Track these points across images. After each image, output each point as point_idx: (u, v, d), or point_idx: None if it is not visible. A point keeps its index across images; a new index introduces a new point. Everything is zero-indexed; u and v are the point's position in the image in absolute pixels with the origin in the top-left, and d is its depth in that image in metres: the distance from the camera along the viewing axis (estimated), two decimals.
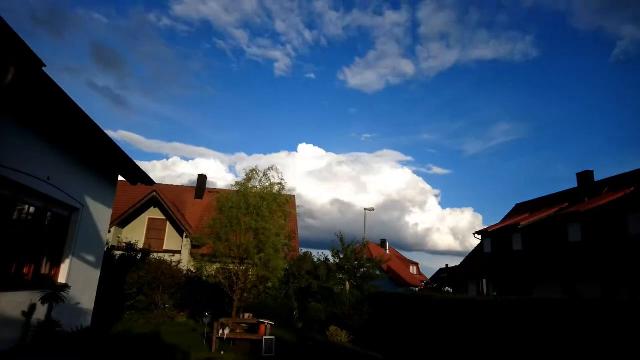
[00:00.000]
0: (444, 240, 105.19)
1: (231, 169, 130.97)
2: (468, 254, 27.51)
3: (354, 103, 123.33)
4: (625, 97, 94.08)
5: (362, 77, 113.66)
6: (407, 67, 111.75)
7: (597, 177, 21.58)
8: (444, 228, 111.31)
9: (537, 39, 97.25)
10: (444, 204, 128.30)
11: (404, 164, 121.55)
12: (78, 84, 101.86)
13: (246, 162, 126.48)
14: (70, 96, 5.17)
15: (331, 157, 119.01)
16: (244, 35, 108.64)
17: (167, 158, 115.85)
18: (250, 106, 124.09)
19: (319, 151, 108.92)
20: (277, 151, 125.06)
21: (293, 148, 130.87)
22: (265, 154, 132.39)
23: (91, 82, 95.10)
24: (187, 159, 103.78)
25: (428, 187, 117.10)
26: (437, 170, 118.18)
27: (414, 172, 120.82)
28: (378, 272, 21.07)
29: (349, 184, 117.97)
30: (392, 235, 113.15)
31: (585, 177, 21.56)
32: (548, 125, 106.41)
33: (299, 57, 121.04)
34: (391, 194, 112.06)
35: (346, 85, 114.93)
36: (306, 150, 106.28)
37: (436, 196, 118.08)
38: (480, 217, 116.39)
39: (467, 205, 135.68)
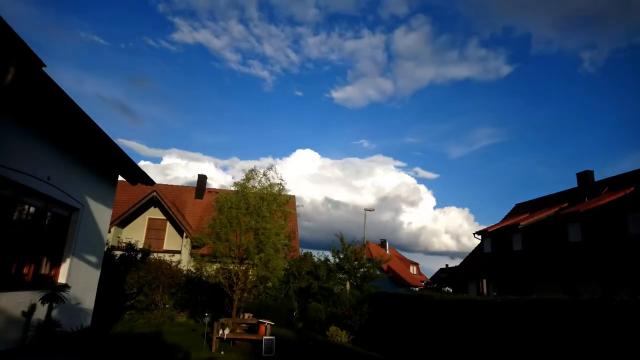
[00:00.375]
0: (438, 240, 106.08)
1: (225, 171, 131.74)
2: (466, 254, 27.55)
3: (342, 116, 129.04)
4: (609, 101, 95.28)
5: (346, 95, 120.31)
6: (386, 85, 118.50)
7: (597, 177, 21.62)
8: (438, 228, 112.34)
9: (508, 58, 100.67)
10: (437, 205, 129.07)
11: (396, 167, 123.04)
12: (76, 87, 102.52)
13: (239, 165, 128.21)
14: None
15: (325, 161, 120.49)
16: (234, 57, 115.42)
17: (159, 162, 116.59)
18: (247, 112, 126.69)
19: (313, 155, 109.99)
20: (271, 156, 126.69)
21: (287, 153, 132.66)
22: (258, 158, 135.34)
23: (99, 94, 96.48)
24: (183, 158, 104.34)
25: (421, 188, 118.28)
26: (425, 174, 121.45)
27: (406, 175, 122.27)
28: (378, 272, 21.10)
29: (343, 187, 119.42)
30: (387, 235, 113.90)
31: (585, 177, 21.52)
32: (531, 128, 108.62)
33: (288, 77, 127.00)
34: (385, 196, 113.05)
35: (333, 102, 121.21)
36: (301, 155, 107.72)
37: (431, 197, 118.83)
38: (472, 217, 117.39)
39: (460, 206, 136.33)
